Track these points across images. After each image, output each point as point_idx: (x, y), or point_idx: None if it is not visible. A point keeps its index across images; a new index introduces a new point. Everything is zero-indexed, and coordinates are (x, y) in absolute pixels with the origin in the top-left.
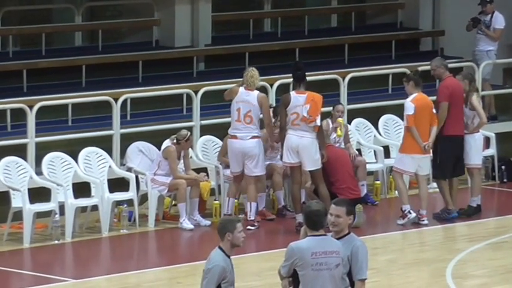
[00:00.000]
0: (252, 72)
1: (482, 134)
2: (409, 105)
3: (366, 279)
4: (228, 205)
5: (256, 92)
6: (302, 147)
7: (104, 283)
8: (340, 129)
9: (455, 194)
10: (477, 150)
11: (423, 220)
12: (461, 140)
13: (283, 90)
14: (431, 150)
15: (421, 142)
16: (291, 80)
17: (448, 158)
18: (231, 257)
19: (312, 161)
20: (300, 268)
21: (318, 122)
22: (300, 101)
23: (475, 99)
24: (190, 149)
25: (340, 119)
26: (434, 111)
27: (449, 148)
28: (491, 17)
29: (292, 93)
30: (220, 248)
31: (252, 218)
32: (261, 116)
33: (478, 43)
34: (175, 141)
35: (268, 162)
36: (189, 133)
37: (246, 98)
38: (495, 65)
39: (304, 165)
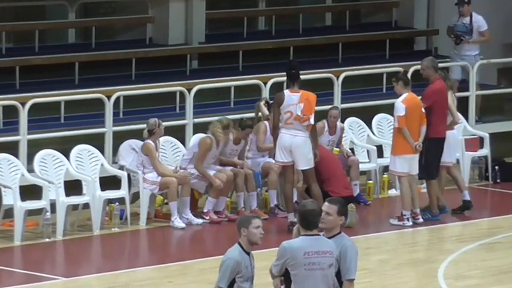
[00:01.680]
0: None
1: (455, 132)
2: (400, 106)
3: (354, 279)
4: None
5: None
6: (295, 146)
7: (95, 281)
8: (336, 151)
9: (442, 195)
10: (450, 148)
11: (418, 219)
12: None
13: (276, 88)
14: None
15: (412, 142)
16: (285, 78)
17: (433, 159)
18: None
19: (305, 160)
20: (292, 267)
21: (312, 121)
22: (293, 99)
23: (449, 98)
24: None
25: (336, 150)
26: (423, 110)
27: (435, 149)
28: (471, 19)
29: (286, 92)
30: (239, 243)
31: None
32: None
33: (463, 47)
34: (147, 134)
35: (262, 160)
36: (157, 119)
37: None
38: (490, 65)
39: (297, 165)
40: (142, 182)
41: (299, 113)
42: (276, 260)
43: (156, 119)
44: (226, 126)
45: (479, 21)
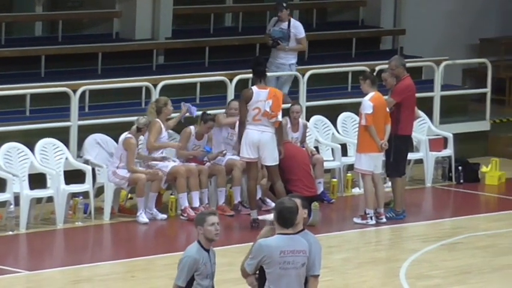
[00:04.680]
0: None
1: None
2: (368, 104)
3: (318, 275)
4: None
5: None
6: (263, 143)
7: (58, 275)
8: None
9: (403, 194)
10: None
11: (381, 218)
12: (412, 139)
13: (242, 85)
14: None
15: (378, 140)
16: (251, 75)
17: (401, 156)
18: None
19: (272, 157)
20: (268, 266)
21: (280, 118)
22: (262, 96)
23: None
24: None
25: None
26: (388, 110)
27: (403, 147)
28: (289, 25)
29: (254, 88)
30: (198, 240)
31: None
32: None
33: (278, 55)
34: (135, 130)
35: (228, 157)
36: (149, 119)
37: None
38: (454, 65)
39: (263, 161)
40: (111, 176)
41: (268, 110)
42: (250, 258)
43: (147, 119)
44: (164, 105)
45: (297, 28)
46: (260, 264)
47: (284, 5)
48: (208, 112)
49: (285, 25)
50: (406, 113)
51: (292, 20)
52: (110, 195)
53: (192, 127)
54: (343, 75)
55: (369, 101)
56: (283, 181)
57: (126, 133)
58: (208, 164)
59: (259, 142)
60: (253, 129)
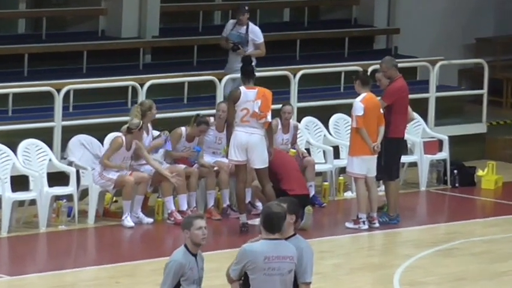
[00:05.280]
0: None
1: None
2: (359, 105)
3: (310, 282)
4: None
5: None
6: (252, 145)
7: (40, 281)
8: (292, 153)
9: (397, 198)
10: None
11: (374, 223)
12: (405, 142)
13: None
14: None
15: (370, 143)
16: (239, 75)
17: (393, 159)
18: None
19: (261, 159)
20: (251, 272)
21: (269, 118)
22: (250, 96)
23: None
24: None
25: (292, 151)
26: (382, 111)
27: (395, 150)
28: (247, 29)
29: (242, 89)
30: (185, 245)
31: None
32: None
33: (237, 59)
34: (125, 130)
35: (214, 160)
36: (141, 122)
37: None
38: (450, 66)
39: (252, 163)
40: (97, 178)
41: (256, 110)
42: (235, 263)
43: (141, 122)
44: (148, 109)
45: (256, 33)
46: (244, 269)
47: (246, 8)
48: (201, 113)
49: (243, 29)
50: (397, 115)
51: (250, 24)
52: (94, 198)
53: (183, 128)
54: (336, 75)
55: (359, 102)
56: (275, 181)
57: (113, 133)
58: (196, 166)
59: (248, 144)
60: (242, 131)
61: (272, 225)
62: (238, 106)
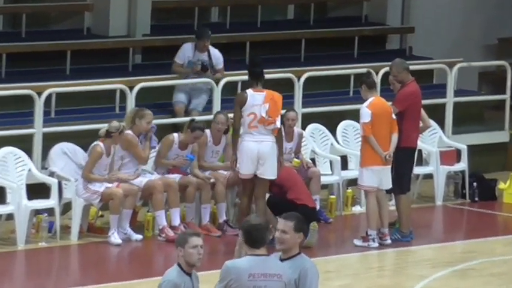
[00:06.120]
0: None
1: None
2: (365, 111)
3: None
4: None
5: None
6: (263, 154)
7: None
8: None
9: (409, 213)
10: None
11: (385, 239)
12: (416, 151)
13: (229, 88)
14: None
15: (381, 152)
16: (240, 77)
17: (405, 171)
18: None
19: (272, 170)
20: None
21: (278, 124)
22: (257, 99)
23: None
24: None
25: (296, 161)
26: (394, 116)
27: (406, 160)
28: (209, 54)
29: (249, 91)
30: (178, 263)
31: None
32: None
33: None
34: (104, 134)
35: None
36: (122, 125)
37: None
38: (469, 68)
39: (263, 174)
40: (82, 190)
41: (264, 115)
42: (218, 281)
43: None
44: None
45: (218, 59)
46: None
47: (209, 33)
48: (196, 118)
49: (205, 56)
50: (409, 122)
51: (211, 48)
52: (78, 212)
53: (175, 135)
54: (344, 78)
55: (366, 108)
56: (281, 193)
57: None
58: (190, 175)
59: (258, 154)
60: (250, 140)
61: (253, 239)
62: (245, 110)
